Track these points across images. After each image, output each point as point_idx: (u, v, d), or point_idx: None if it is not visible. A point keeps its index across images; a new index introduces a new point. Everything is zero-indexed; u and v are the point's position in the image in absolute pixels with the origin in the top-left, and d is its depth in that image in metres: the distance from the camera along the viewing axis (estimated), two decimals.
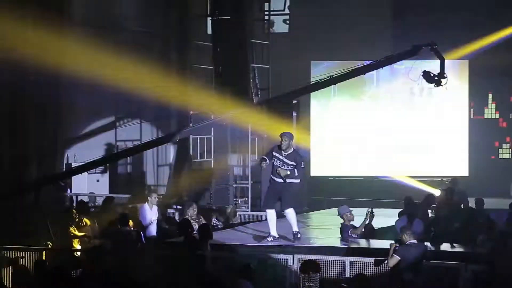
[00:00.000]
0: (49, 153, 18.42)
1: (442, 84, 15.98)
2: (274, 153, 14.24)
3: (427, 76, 15.97)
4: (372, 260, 12.75)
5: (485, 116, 24.23)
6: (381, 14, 23.84)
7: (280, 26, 25.23)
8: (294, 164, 14.12)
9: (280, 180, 14.22)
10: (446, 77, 15.95)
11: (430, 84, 16.11)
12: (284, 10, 22.85)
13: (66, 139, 20.21)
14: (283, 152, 14.17)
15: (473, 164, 23.17)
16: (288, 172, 14.15)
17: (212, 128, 21.67)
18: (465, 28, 22.43)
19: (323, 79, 15.67)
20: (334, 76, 15.71)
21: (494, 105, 24.25)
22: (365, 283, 11.17)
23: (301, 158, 14.34)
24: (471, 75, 23.23)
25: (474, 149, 23.37)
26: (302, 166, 14.25)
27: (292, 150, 14.25)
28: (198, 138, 21.84)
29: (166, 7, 25.24)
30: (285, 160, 14.15)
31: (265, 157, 14.31)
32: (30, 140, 17.90)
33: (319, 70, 23.33)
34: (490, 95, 24.27)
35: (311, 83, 16.58)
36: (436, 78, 15.92)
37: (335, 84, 16.13)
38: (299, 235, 14.43)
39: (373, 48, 20.51)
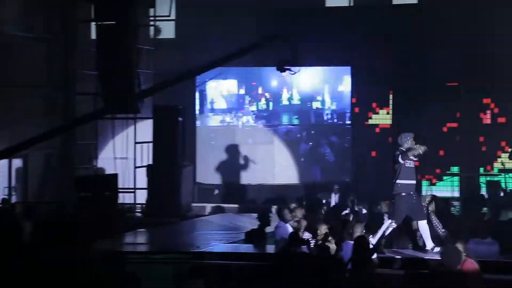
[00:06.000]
0: None
1: (293, 71, 16.43)
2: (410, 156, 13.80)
3: (280, 64, 16.41)
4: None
5: None
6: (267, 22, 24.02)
7: (167, 32, 25.23)
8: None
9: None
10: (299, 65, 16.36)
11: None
12: (169, 15, 22.81)
13: None
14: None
15: None
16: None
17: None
18: None
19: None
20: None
21: None
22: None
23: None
24: None
25: None
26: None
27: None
28: None
29: (50, 11, 24.84)
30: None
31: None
32: None
33: (207, 75, 23.44)
34: None
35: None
36: (287, 66, 16.37)
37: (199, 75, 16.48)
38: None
39: (261, 54, 20.32)
